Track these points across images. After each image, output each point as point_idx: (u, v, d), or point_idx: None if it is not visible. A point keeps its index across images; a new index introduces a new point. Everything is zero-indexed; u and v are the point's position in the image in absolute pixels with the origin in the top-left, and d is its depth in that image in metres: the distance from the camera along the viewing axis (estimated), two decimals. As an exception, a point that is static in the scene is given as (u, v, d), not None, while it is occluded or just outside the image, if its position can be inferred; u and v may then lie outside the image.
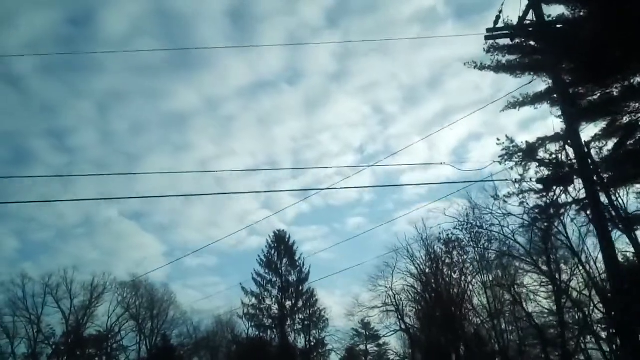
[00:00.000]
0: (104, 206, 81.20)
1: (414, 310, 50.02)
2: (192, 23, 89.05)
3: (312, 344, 52.84)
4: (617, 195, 20.65)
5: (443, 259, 38.24)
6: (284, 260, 54.76)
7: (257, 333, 53.27)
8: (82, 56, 79.75)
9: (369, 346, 59.49)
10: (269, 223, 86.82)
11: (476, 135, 76.43)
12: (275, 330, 52.59)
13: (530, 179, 18.20)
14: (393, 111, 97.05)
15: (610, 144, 17.42)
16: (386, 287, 48.83)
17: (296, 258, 54.90)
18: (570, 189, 17.76)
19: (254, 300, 53.15)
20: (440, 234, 35.47)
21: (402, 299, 49.45)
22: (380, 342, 56.92)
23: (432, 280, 45.74)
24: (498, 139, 18.31)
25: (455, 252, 35.99)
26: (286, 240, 55.50)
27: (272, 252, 54.94)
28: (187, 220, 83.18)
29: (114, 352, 55.28)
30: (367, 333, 58.02)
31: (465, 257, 36.72)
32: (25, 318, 51.90)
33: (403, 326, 49.25)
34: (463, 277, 42.25)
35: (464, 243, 34.91)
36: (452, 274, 40.17)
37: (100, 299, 53.70)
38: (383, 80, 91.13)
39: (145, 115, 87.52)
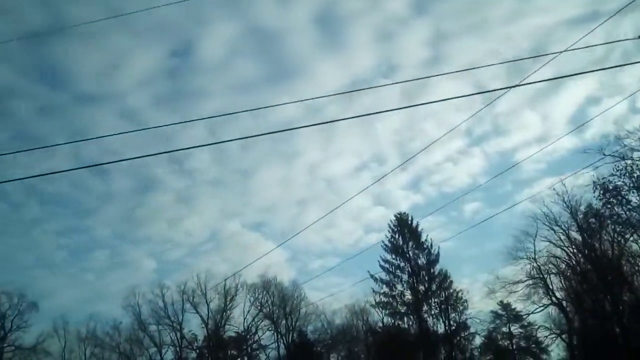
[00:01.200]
0: (227, 221, 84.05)
1: (564, 281, 45.45)
2: (283, 36, 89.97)
3: (453, 327, 49.80)
4: None
5: (602, 211, 33.53)
6: (410, 244, 52.32)
7: (393, 321, 51.32)
8: (189, 84, 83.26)
9: (512, 328, 55.02)
10: (384, 219, 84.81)
11: (594, 99, 68.59)
12: (411, 317, 50.28)
13: None
14: (497, 87, 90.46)
15: None
16: (529, 259, 44.90)
17: (422, 240, 52.28)
18: None
19: (385, 288, 51.32)
20: (595, 182, 30.92)
21: (549, 270, 45.20)
22: (525, 322, 52.32)
23: (583, 245, 41.17)
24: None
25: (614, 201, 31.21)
26: (409, 222, 53.05)
27: (396, 236, 52.77)
28: (303, 224, 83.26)
29: (254, 352, 56.04)
30: (509, 315, 53.61)
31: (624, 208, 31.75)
32: (168, 326, 54.20)
33: (554, 300, 44.86)
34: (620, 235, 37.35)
35: (624, 191, 30.24)
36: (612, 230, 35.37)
37: (234, 301, 54.68)
38: (482, 58, 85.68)
39: (252, 131, 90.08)
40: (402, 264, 51.74)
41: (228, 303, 54.46)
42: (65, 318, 54.17)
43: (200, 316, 54.30)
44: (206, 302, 54.12)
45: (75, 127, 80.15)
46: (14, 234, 72.35)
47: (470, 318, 50.22)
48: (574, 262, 43.71)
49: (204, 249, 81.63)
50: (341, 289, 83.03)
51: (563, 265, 44.72)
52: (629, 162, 29.18)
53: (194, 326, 55.50)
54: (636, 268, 38.48)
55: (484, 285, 50.50)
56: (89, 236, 76.47)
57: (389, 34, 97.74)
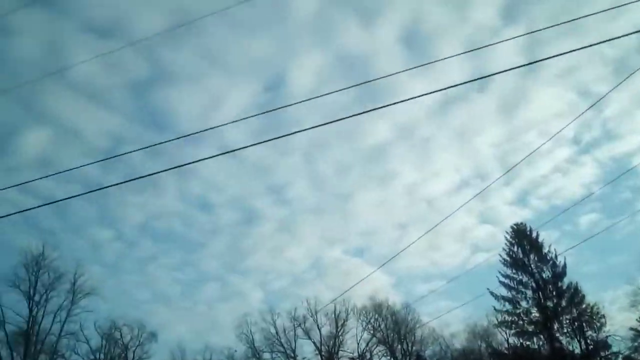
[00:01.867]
0: (328, 248, 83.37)
1: None
2: (370, 59, 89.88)
3: (591, 347, 44.78)
4: None
5: None
6: (531, 256, 48.26)
7: (520, 341, 47.17)
8: (283, 116, 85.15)
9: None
10: (491, 237, 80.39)
11: None
12: (541, 336, 45.92)
13: None
14: (603, 90, 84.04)
15: None
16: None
17: (545, 251, 48.07)
18: None
19: (507, 306, 47.43)
20: None
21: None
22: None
23: None
24: None
25: None
26: (528, 233, 49.09)
27: (515, 248, 48.89)
28: (407, 248, 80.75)
29: (370, 378, 53.83)
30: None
31: None
32: (281, 353, 53.52)
33: None
34: None
35: None
36: None
37: (345, 326, 53.14)
38: (582, 60, 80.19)
39: (347, 155, 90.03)
40: (524, 279, 47.71)
41: (339, 328, 53.05)
42: (182, 348, 55.23)
43: (313, 342, 53.31)
44: (317, 327, 53.13)
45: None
46: (131, 270, 76.27)
47: (609, 336, 45.05)
48: None
49: (307, 277, 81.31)
50: (456, 308, 78.70)
51: None
52: None
53: (307, 352, 54.47)
54: None
55: (615, 301, 45.35)
56: (199, 270, 78.81)
57: (479, 45, 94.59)
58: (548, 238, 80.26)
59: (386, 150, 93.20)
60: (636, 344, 47.30)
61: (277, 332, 53.71)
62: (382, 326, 53.03)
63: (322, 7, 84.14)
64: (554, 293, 46.58)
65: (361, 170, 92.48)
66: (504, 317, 47.66)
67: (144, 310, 75.47)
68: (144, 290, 78.11)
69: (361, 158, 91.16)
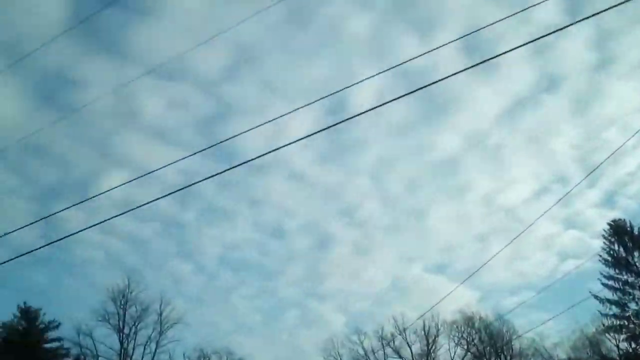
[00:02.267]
0: (407, 267, 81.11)
1: None
2: (431, 72, 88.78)
3: None
4: None
5: None
6: (635, 254, 44.99)
7: (632, 346, 43.61)
8: (347, 137, 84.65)
9: None
10: (579, 242, 76.34)
11: None
12: (657, 339, 42.29)
13: None
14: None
15: None
16: None
17: (650, 247, 44.72)
18: None
19: (614, 309, 44.16)
20: None
21: None
22: None
23: None
24: None
25: None
26: (628, 229, 45.89)
27: (615, 247, 45.71)
28: (491, 259, 77.31)
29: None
30: None
31: None
32: (372, 374, 51.39)
33: None
34: None
35: None
36: None
37: (437, 342, 50.67)
38: (659, 50, 76.51)
39: (416, 171, 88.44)
40: (630, 279, 44.40)
41: (431, 345, 50.62)
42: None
43: (404, 360, 50.97)
44: (407, 345, 50.89)
45: (252, 195, 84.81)
46: (213, 302, 76.33)
47: None
48: None
49: (388, 297, 78.77)
50: (558, 315, 73.73)
51: None
52: None
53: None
54: None
55: None
56: (278, 297, 78.12)
57: (545, 45, 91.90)
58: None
59: (457, 162, 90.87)
60: None
61: (365, 353, 51.88)
62: (476, 340, 50.30)
63: (377, 25, 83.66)
64: (666, 291, 43.09)
65: (433, 185, 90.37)
66: (612, 322, 44.34)
67: (228, 340, 75.13)
68: (226, 320, 77.78)
69: (431, 172, 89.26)
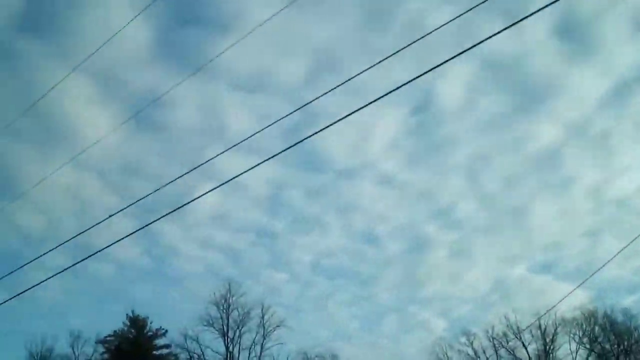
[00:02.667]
0: (510, 268, 76.68)
1: None
2: (524, 59, 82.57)
3: None
4: None
5: None
6: None
7: None
8: (435, 136, 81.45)
9: None
10: None
11: None
12: None
13: None
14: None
15: None
16: None
17: None
18: None
19: None
20: None
21: None
22: None
23: None
24: None
25: None
26: None
27: None
28: (598, 257, 70.91)
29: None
30: None
31: None
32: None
33: None
34: None
35: None
36: None
37: (555, 342, 46.77)
38: None
39: (514, 165, 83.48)
40: None
41: (549, 344, 46.80)
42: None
43: (519, 361, 47.51)
44: (523, 345, 47.36)
45: (341, 202, 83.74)
46: (309, 310, 75.88)
47: None
48: None
49: (491, 300, 74.79)
50: None
51: None
52: None
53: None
54: None
55: None
56: (376, 303, 76.45)
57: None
58: None
59: (558, 153, 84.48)
60: None
61: (475, 354, 48.91)
62: (600, 338, 45.95)
63: (460, 17, 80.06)
64: None
65: (533, 179, 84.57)
66: None
67: (327, 347, 74.63)
68: (323, 327, 76.96)
69: (531, 166, 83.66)
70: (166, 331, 48.10)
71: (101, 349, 47.84)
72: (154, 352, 47.71)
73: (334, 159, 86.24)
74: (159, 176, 70.34)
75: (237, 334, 47.41)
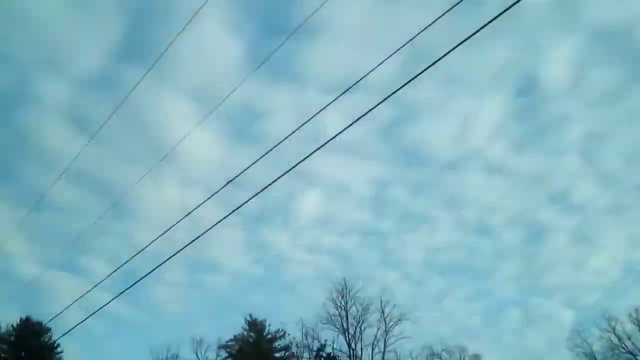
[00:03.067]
0: None
1: None
2: (636, 27, 78.27)
3: None
4: None
5: None
6: None
7: None
8: (543, 117, 76.91)
9: None
10: None
11: None
12: None
13: None
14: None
15: None
16: None
17: None
18: None
19: None
20: None
21: None
22: None
23: None
24: None
25: None
26: None
27: None
28: None
29: None
30: None
31: None
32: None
33: None
34: None
35: None
36: None
37: None
38: None
39: (632, 140, 77.18)
40: None
41: None
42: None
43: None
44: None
45: (448, 195, 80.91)
46: (426, 308, 73.17)
47: None
48: None
49: (623, 285, 68.67)
50: None
51: None
52: None
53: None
54: None
55: None
56: (495, 296, 72.28)
57: None
58: None
59: None
60: None
61: (620, 340, 44.39)
62: None
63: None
64: None
65: None
66: None
67: (455, 342, 70.74)
68: (443, 325, 73.42)
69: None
70: (284, 332, 47.59)
71: (223, 353, 47.86)
72: (275, 354, 47.07)
73: (436, 151, 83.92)
74: (262, 186, 71.55)
75: (358, 330, 46.11)
